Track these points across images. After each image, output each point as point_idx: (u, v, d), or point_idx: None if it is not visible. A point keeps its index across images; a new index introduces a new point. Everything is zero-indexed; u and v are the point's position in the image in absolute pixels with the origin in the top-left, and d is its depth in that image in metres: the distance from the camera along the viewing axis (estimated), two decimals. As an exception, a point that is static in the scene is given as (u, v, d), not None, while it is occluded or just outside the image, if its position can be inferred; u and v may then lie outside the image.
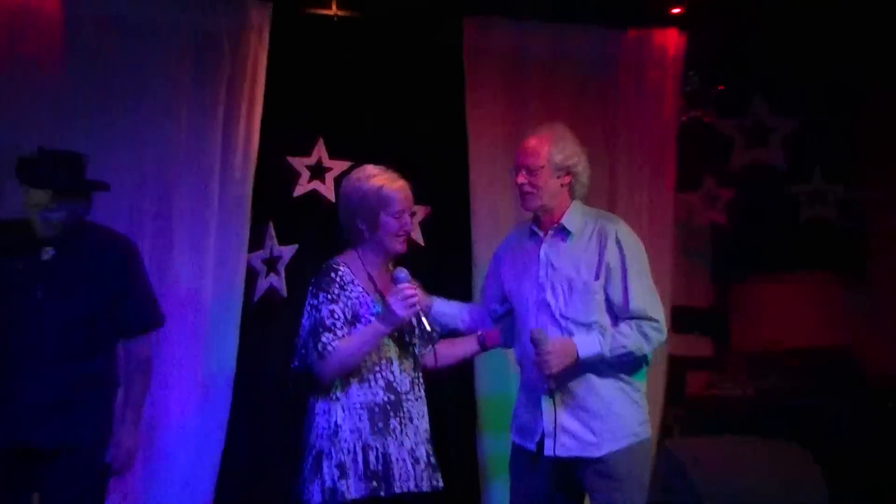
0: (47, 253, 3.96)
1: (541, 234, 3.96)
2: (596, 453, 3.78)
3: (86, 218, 4.05)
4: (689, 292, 5.90)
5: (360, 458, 3.80)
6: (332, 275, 3.71)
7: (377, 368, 3.85)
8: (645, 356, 3.89)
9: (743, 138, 5.75)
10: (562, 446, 3.81)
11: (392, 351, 3.84)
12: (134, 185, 4.73)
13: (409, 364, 3.90)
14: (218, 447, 4.89)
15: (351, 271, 3.68)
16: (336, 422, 3.72)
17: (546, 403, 3.92)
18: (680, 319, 5.35)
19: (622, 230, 3.93)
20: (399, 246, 3.82)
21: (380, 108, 5.19)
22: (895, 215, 5.85)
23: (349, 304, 3.71)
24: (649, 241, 4.64)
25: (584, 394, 3.89)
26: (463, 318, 4.16)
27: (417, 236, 5.13)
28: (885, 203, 5.86)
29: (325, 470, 3.72)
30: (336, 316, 3.69)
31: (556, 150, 3.90)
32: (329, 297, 3.69)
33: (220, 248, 4.92)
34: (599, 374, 3.88)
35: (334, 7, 5.06)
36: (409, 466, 3.85)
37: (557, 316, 3.85)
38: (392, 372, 3.87)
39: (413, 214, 4.14)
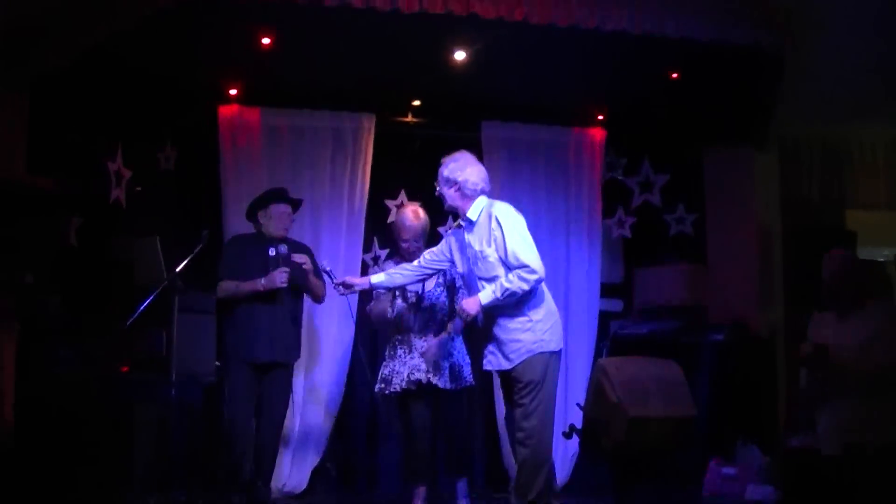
0: (283, 248, 5.37)
1: (463, 224, 4.71)
2: (506, 367, 4.61)
3: None
4: (610, 274, 7.01)
5: (381, 371, 5.43)
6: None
7: (394, 316, 5.37)
8: (533, 293, 4.46)
9: (638, 188, 7.05)
10: (488, 363, 4.75)
11: (407, 308, 5.29)
12: (299, 214, 5.96)
13: (417, 315, 5.28)
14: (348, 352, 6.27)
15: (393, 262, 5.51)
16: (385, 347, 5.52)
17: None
18: (605, 289, 6.86)
19: (499, 210, 4.53)
20: (405, 250, 5.28)
21: (436, 170, 5.44)
22: (723, 232, 6.92)
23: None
24: (587, 246, 6.40)
25: (495, 331, 4.63)
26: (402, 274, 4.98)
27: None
28: (717, 224, 6.98)
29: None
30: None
31: (445, 171, 4.67)
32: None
33: (347, 249, 6.43)
34: (503, 315, 4.55)
35: (410, 116, 6.58)
36: (405, 376, 5.20)
37: (478, 278, 4.60)
38: (402, 321, 5.34)
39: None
